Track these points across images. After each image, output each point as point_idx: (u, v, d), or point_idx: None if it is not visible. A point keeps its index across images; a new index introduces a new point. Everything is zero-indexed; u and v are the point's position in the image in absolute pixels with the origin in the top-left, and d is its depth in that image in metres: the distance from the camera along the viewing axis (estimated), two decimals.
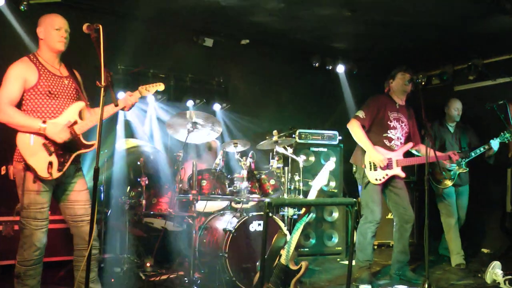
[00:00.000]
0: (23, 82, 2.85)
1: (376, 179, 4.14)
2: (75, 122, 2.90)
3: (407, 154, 4.34)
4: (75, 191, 2.99)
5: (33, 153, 2.79)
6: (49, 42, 2.97)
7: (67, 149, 2.87)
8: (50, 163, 2.80)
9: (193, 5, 5.14)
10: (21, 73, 2.86)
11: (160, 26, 5.68)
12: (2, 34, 4.75)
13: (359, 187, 4.31)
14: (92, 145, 2.95)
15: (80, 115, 2.98)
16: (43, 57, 2.99)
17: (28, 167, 2.77)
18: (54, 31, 2.96)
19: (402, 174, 4.24)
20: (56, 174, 2.83)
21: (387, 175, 4.16)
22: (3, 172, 2.87)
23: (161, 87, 3.32)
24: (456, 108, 5.15)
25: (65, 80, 3.01)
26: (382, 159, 4.07)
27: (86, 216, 2.98)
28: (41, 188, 2.83)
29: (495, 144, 4.80)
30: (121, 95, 5.09)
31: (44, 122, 2.80)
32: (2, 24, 4.71)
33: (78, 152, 2.90)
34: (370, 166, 4.15)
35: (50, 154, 2.82)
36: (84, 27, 2.87)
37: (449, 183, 5.01)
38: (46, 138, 2.82)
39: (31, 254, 2.83)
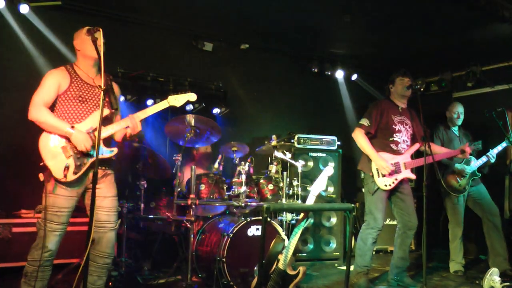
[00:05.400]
0: (58, 87, 2.97)
1: (386, 185, 4.14)
2: (96, 128, 2.91)
3: (415, 155, 4.33)
4: (100, 197, 2.98)
5: (52, 154, 2.85)
6: (85, 51, 3.02)
7: (85, 154, 2.90)
8: (67, 166, 2.84)
9: (193, 9, 5.16)
10: (56, 78, 2.97)
11: (159, 30, 5.69)
12: (2, 36, 4.76)
13: (365, 192, 4.29)
14: (111, 152, 2.95)
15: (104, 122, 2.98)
16: (79, 66, 3.08)
17: (46, 168, 2.83)
18: (89, 41, 2.88)
19: (413, 176, 4.22)
20: (71, 177, 2.86)
21: (396, 179, 4.15)
22: (41, 179, 2.87)
23: (192, 96, 3.30)
24: (456, 112, 5.09)
25: (97, 89, 3.04)
26: (386, 166, 4.08)
27: (108, 223, 3.00)
28: (61, 192, 2.88)
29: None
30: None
31: (72, 127, 2.86)
32: (2, 26, 4.72)
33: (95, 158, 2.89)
34: (378, 172, 4.15)
35: (68, 157, 2.87)
36: (84, 30, 2.89)
37: (467, 187, 4.90)
38: (67, 141, 2.88)
39: (41, 255, 2.88)
